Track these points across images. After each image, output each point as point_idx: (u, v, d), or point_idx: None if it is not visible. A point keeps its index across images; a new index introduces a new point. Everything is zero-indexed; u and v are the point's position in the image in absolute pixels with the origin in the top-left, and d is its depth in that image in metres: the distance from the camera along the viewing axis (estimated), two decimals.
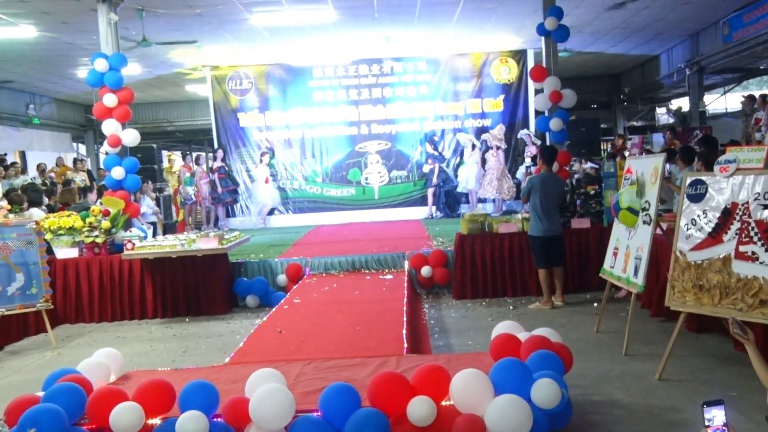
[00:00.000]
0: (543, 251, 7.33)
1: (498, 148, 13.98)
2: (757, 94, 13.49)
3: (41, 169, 14.74)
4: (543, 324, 4.99)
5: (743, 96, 14.04)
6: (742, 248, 4.51)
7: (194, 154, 17.78)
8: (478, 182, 13.84)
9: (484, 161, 14.05)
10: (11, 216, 7.81)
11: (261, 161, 14.34)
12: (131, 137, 8.79)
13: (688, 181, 5.04)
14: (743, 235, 4.51)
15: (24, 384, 5.26)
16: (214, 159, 14.48)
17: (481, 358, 4.27)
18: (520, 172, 14.03)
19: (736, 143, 9.91)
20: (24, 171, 14.68)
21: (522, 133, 14.11)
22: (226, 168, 14.28)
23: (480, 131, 14.37)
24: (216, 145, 14.70)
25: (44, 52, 12.35)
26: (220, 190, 14.11)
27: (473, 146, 13.96)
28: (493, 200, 13.74)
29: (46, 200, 10.13)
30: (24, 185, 11.06)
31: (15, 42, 11.40)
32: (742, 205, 4.56)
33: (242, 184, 14.64)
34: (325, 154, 14.59)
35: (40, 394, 3.78)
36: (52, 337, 7.01)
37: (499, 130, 14.19)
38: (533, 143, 13.72)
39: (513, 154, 14.42)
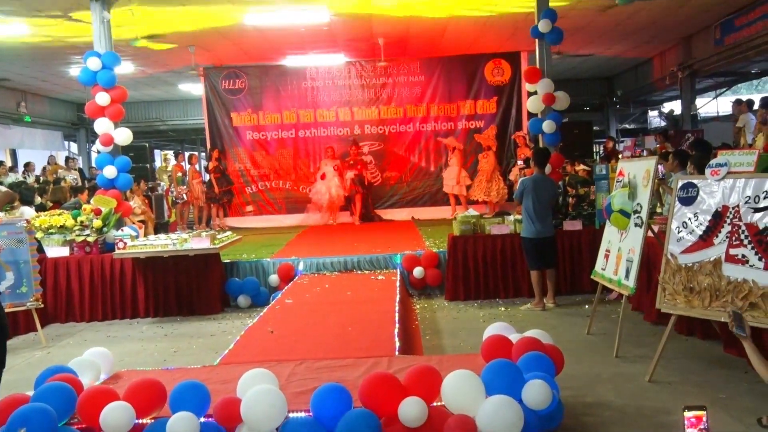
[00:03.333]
0: (535, 253, 7.35)
1: (489, 148, 13.99)
2: (744, 98, 13.58)
3: (32, 168, 14.67)
4: (534, 325, 5.00)
5: (731, 101, 14.14)
6: (732, 251, 4.53)
7: (187, 154, 17.74)
8: (462, 185, 13.90)
9: (476, 163, 14.10)
10: (1, 214, 7.76)
11: (327, 155, 13.85)
12: (124, 136, 8.76)
13: (680, 184, 5.06)
14: (734, 238, 4.54)
15: (13, 383, 5.23)
16: (209, 158, 14.40)
17: (472, 359, 4.27)
18: (513, 173, 14.05)
19: (728, 146, 9.96)
20: (26, 170, 14.59)
21: (515, 135, 14.14)
22: (221, 167, 14.23)
23: (473, 132, 14.38)
24: (209, 145, 14.65)
25: (37, 50, 12.29)
26: (217, 189, 14.07)
27: (453, 149, 14.00)
28: (485, 202, 13.74)
29: (37, 199, 10.07)
30: (15, 183, 11.02)
31: (7, 40, 11.34)
32: (733, 208, 4.59)
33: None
34: (318, 155, 14.56)
35: (30, 393, 3.76)
36: (42, 336, 6.98)
37: (491, 131, 14.22)
38: (526, 145, 13.74)
39: (506, 156, 14.45)
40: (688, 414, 2.57)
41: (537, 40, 9.44)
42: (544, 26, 9.10)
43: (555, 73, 9.63)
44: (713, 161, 4.85)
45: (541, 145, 9.52)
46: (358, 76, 14.55)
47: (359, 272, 8.57)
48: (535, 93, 9.35)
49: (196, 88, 16.21)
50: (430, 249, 8.81)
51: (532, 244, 7.35)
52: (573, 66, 16.80)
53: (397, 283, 7.69)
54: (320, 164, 13.97)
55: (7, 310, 6.72)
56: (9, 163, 15.60)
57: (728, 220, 4.60)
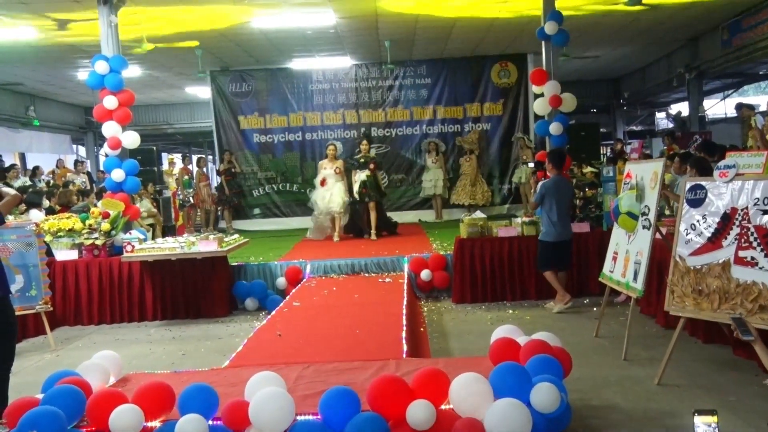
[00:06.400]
0: (553, 256, 7.27)
1: (471, 152, 14.00)
2: (746, 101, 13.55)
3: (40, 173, 14.74)
4: (542, 328, 4.98)
5: (735, 107, 14.12)
6: (741, 253, 4.51)
7: (195, 157, 17.77)
8: (445, 188, 13.91)
9: (457, 167, 14.12)
10: (11, 218, 7.80)
11: (326, 155, 11.21)
12: (131, 139, 8.79)
13: (688, 186, 5.05)
14: (743, 240, 4.52)
15: (23, 386, 5.26)
16: (221, 161, 14.45)
17: (480, 362, 4.27)
18: (517, 176, 14.05)
19: (736, 148, 9.91)
20: (34, 173, 14.64)
21: (515, 137, 14.17)
22: (234, 170, 14.25)
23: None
24: (217, 148, 14.70)
25: (45, 53, 12.35)
26: (227, 192, 14.08)
27: (438, 151, 14.00)
28: (467, 206, 13.73)
29: (46, 202, 10.12)
30: (23, 187, 11.08)
31: (15, 44, 11.40)
32: (742, 210, 4.56)
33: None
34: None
35: (40, 396, 3.78)
36: (51, 339, 7.01)
37: (473, 135, 14.24)
38: (527, 146, 13.76)
39: (510, 158, 14.45)
40: (697, 417, 2.56)
41: (543, 42, 9.43)
42: (550, 28, 9.08)
43: (561, 74, 9.61)
44: (721, 163, 4.83)
45: (548, 147, 9.51)
46: (364, 79, 14.59)
47: (366, 275, 8.57)
48: (542, 95, 9.34)
49: (202, 91, 16.28)
50: (437, 251, 8.81)
51: (553, 248, 7.24)
52: (579, 68, 16.77)
53: (405, 286, 7.69)
54: (319, 167, 11.40)
55: (16, 313, 6.78)
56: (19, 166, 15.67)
57: (737, 222, 4.58)
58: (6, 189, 5.04)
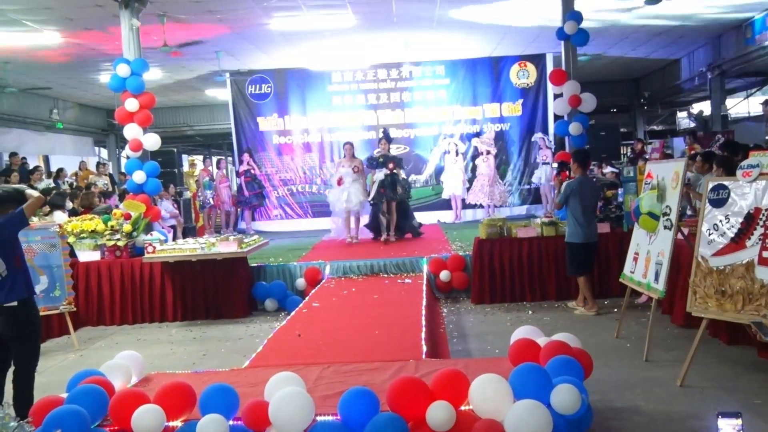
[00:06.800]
0: (583, 258, 7.15)
1: (488, 152, 13.94)
2: None
3: (64, 175, 14.92)
4: (562, 329, 4.96)
5: (761, 103, 13.93)
6: (765, 254, 4.45)
7: (215, 158, 17.88)
8: (464, 189, 13.85)
9: (474, 167, 14.06)
10: (35, 219, 7.91)
11: (344, 155, 10.99)
12: (152, 141, 8.88)
13: (710, 186, 4.99)
14: (767, 240, 4.46)
15: (47, 385, 5.34)
16: (240, 162, 14.53)
17: (500, 363, 4.26)
18: (536, 176, 13.97)
19: (760, 148, 9.77)
20: (57, 175, 14.83)
21: (535, 137, 14.09)
22: (252, 171, 14.31)
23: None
24: (237, 149, 14.79)
25: (68, 57, 12.52)
26: (246, 193, 14.15)
27: (456, 152, 13.94)
28: (485, 206, 13.67)
29: (69, 204, 10.25)
30: (47, 189, 11.22)
31: (40, 48, 11.57)
32: (766, 210, 4.51)
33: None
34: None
35: (64, 395, 3.84)
36: (75, 339, 7.11)
37: (489, 135, 14.17)
38: (547, 147, 13.69)
39: (529, 159, 14.39)
40: (721, 420, 2.53)
41: (563, 42, 9.38)
42: (569, 28, 9.04)
43: (581, 74, 9.55)
44: (745, 162, 4.77)
45: (567, 148, 9.45)
46: (383, 80, 14.60)
47: (385, 276, 8.57)
48: (561, 95, 9.28)
49: (222, 93, 16.39)
50: (456, 252, 8.79)
51: (582, 250, 7.12)
52: (599, 68, 16.64)
53: (424, 287, 7.67)
54: (336, 166, 11.31)
55: (41, 314, 6.86)
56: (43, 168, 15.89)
57: (761, 222, 4.52)
58: (30, 191, 5.11)
